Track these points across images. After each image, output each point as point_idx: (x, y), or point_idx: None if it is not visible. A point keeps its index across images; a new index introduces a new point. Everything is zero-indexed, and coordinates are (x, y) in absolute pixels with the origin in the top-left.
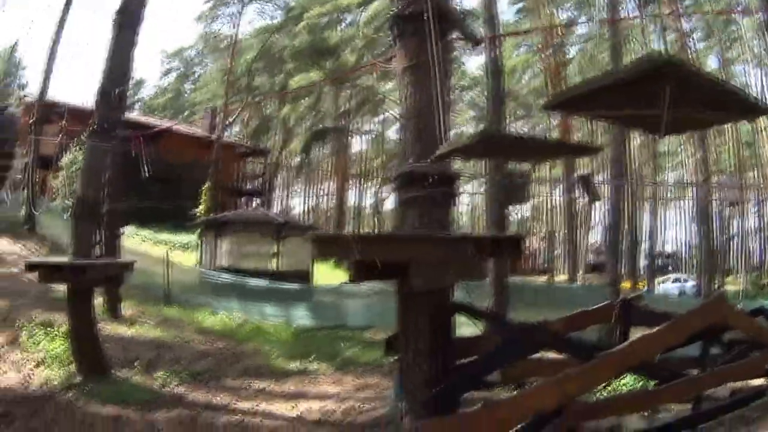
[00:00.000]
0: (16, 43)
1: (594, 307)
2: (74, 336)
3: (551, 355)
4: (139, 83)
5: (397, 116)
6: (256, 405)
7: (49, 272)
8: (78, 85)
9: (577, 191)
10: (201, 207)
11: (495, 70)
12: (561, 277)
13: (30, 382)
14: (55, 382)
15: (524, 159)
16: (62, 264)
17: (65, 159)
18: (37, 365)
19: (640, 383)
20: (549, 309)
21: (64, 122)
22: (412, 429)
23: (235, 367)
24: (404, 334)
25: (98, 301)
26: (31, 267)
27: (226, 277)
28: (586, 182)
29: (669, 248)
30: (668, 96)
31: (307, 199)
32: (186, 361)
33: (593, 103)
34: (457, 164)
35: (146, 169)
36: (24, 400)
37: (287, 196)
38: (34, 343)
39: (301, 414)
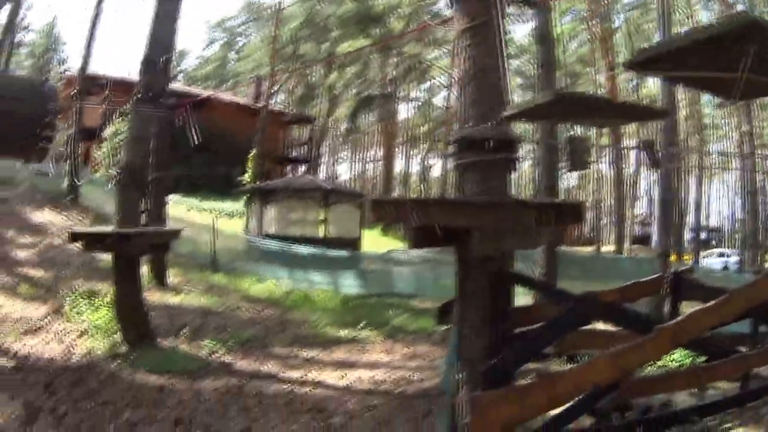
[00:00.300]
0: (55, 18)
1: (645, 279)
2: (120, 305)
3: (600, 326)
4: (183, 54)
5: (443, 83)
6: (305, 374)
7: (93, 241)
8: (119, 59)
9: (640, 158)
10: (247, 174)
11: (545, 35)
12: (607, 248)
13: (73, 353)
14: (99, 352)
15: (592, 122)
16: (107, 233)
17: (108, 130)
18: (81, 335)
19: (689, 359)
20: (597, 280)
21: (107, 92)
22: (468, 400)
23: (283, 336)
24: (462, 302)
25: (144, 269)
26: (75, 236)
27: (273, 244)
28: (650, 148)
29: (713, 222)
30: (751, 58)
31: (353, 165)
32: (233, 328)
33: (674, 62)
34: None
35: (195, 136)
36: (67, 371)
37: (333, 163)
38: (77, 313)
39: (350, 383)
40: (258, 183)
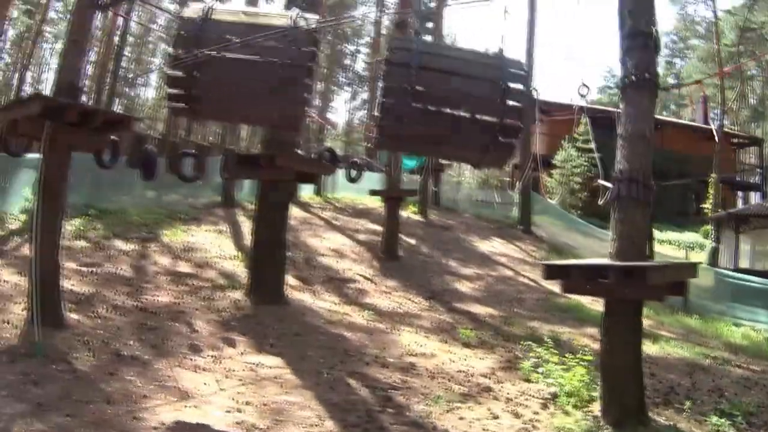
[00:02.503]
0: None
1: None
2: (607, 365)
3: None
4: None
5: None
6: None
7: (583, 278)
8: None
9: None
10: (707, 202)
11: None
12: None
13: None
14: None
15: None
16: (603, 265)
17: (559, 157)
18: (544, 405)
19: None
20: None
21: (581, 117)
22: None
23: None
24: None
25: None
26: (552, 271)
27: (751, 280)
28: None
29: None
30: None
31: None
32: (728, 392)
33: None
34: None
35: None
36: None
37: None
38: (538, 371)
39: None
40: (723, 211)
